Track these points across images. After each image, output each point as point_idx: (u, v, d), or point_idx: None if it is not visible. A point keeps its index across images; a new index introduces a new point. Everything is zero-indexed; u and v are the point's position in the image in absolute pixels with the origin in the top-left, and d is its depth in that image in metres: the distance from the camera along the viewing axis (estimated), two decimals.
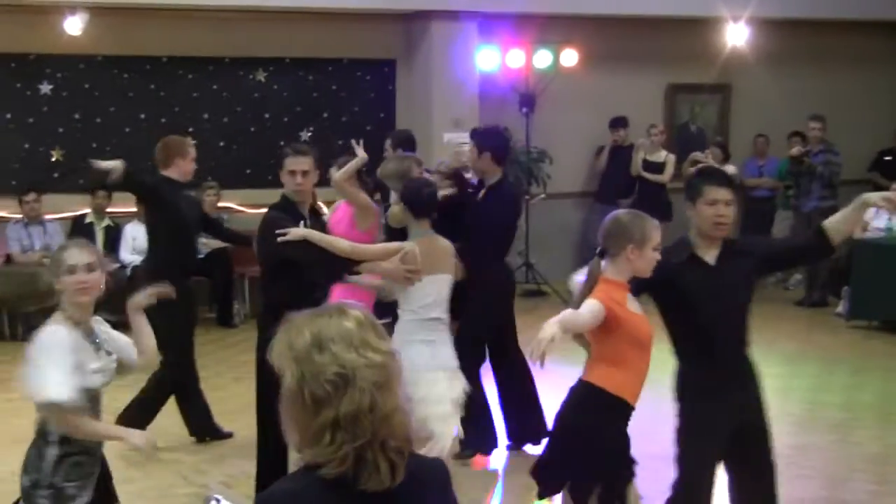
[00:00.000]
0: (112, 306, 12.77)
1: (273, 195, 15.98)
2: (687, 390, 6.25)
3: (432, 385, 7.24)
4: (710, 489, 6.21)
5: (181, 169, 10.06)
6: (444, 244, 7.69)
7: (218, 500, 3.82)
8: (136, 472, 9.03)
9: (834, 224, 6.21)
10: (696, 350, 6.23)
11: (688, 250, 6.40)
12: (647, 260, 6.15)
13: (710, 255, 6.33)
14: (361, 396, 2.97)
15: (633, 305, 6.14)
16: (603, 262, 6.16)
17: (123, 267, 14.78)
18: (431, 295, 7.48)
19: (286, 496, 3.04)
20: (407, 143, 10.75)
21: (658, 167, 16.92)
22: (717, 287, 6.20)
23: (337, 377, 2.97)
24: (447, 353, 7.50)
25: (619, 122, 17.26)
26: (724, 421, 6.13)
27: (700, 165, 16.34)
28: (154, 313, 6.05)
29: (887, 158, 18.59)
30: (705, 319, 6.19)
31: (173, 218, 9.86)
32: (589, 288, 6.08)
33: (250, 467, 8.32)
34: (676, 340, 6.32)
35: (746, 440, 6.24)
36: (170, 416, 10.08)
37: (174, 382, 9.90)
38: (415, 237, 7.57)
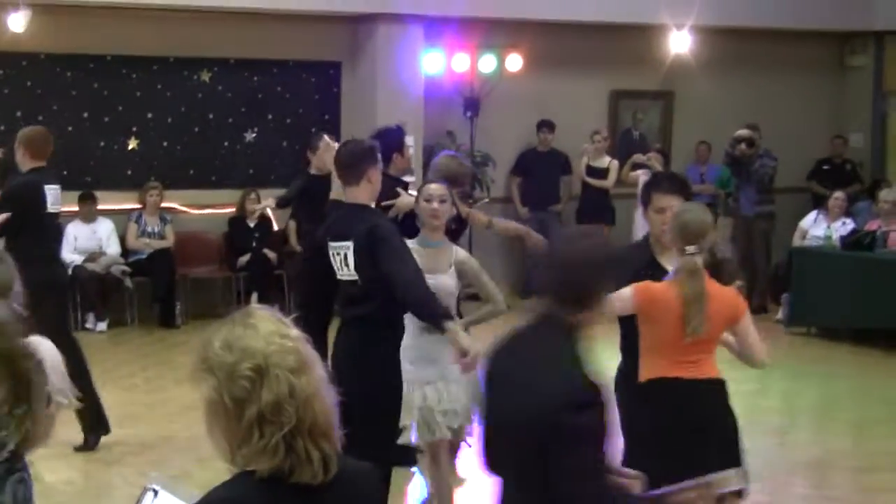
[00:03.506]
0: None
1: (217, 196, 16.07)
2: (625, 388, 6.23)
3: None
4: None
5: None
6: None
7: (156, 492, 3.77)
8: (76, 474, 8.98)
9: None
10: (636, 350, 6.25)
11: (648, 253, 6.42)
12: None
13: (669, 261, 6.35)
14: (279, 384, 2.97)
15: None
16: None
17: (64, 266, 14.63)
18: None
19: (224, 502, 3.03)
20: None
21: (601, 173, 16.98)
22: None
23: (251, 371, 2.97)
24: None
25: (544, 125, 17.23)
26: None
27: (640, 171, 16.47)
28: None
29: (825, 167, 18.73)
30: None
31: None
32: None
33: (192, 467, 8.29)
34: (625, 337, 6.35)
35: None
36: (136, 426, 10.00)
37: None
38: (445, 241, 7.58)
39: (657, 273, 6.28)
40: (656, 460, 5.58)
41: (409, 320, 7.13)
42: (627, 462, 5.49)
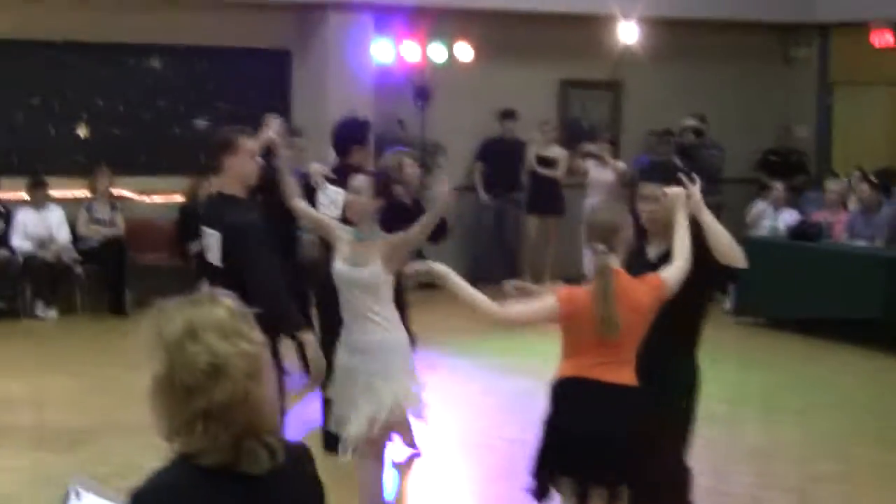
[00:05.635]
0: (2, 293, 12.55)
1: (167, 183, 15.95)
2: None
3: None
4: None
5: None
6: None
7: (78, 493, 3.74)
8: (24, 462, 8.89)
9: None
10: None
11: (640, 241, 6.46)
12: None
13: (653, 251, 6.41)
14: (234, 386, 2.93)
15: None
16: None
17: (14, 254, 14.53)
18: None
19: (164, 489, 2.99)
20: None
21: (551, 162, 17.00)
22: None
23: (209, 367, 2.93)
24: None
25: (507, 115, 17.27)
26: None
27: (590, 161, 16.51)
28: None
29: (772, 158, 18.84)
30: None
31: None
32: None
33: (141, 455, 8.21)
34: None
35: None
36: (85, 414, 9.92)
37: None
38: (377, 232, 7.30)
39: (639, 261, 6.32)
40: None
41: (344, 313, 7.22)
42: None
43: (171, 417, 2.98)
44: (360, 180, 7.30)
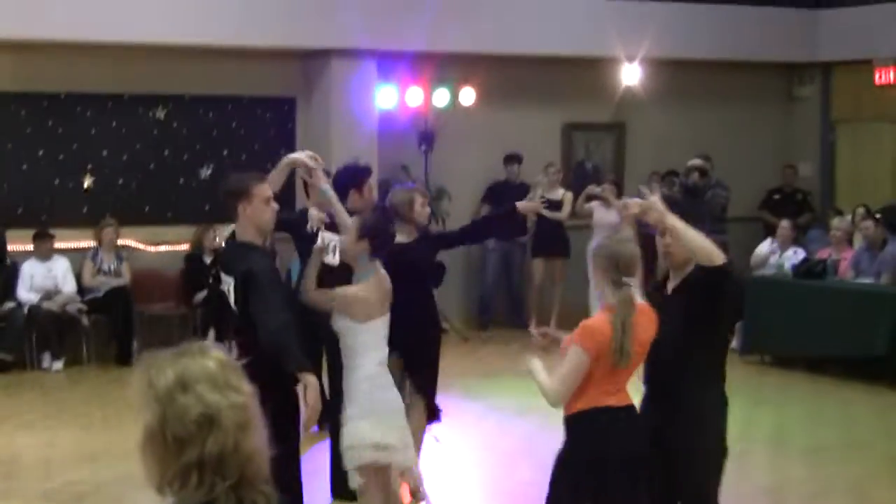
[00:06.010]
0: (8, 346, 12.55)
1: (173, 232, 15.95)
2: None
3: (406, 428, 7.41)
4: None
5: None
6: (389, 282, 7.49)
7: None
8: None
9: None
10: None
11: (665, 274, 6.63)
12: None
13: (671, 284, 6.54)
14: (226, 437, 2.96)
15: None
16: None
17: (20, 306, 14.53)
18: (385, 336, 7.38)
19: None
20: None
21: (556, 205, 16.99)
22: (662, 320, 6.28)
23: (201, 417, 2.95)
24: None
25: (512, 159, 17.28)
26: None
27: (594, 203, 16.51)
28: None
29: (776, 197, 18.84)
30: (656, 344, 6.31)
31: None
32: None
33: None
34: None
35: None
36: (93, 466, 9.88)
37: None
38: (367, 274, 7.31)
39: (657, 294, 6.51)
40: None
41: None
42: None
43: (163, 469, 2.99)
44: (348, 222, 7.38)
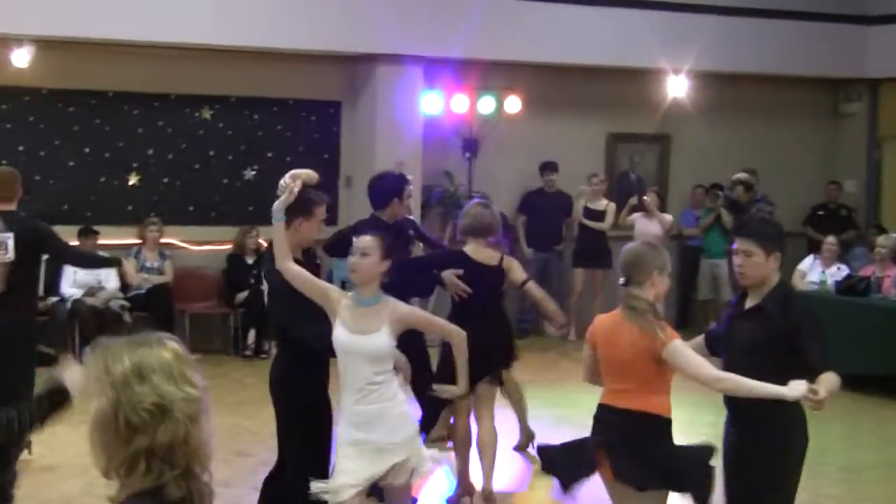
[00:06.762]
0: (51, 339, 12.53)
1: (216, 232, 16.01)
2: None
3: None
4: None
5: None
6: None
7: None
8: (75, 491, 8.90)
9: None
10: None
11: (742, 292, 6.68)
12: (665, 284, 6.51)
13: (747, 303, 6.56)
14: (177, 428, 3.02)
15: None
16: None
17: (64, 301, 14.61)
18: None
19: None
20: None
21: (599, 215, 16.97)
22: (733, 334, 6.46)
23: (154, 407, 3.01)
24: None
25: (548, 167, 17.23)
26: None
27: (637, 214, 16.45)
28: None
29: (821, 213, 18.73)
30: (724, 362, 6.48)
31: None
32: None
33: None
34: None
35: None
36: None
37: None
38: (377, 300, 6.92)
39: (737, 310, 6.58)
40: None
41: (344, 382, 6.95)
42: None
43: (112, 454, 3.06)
44: (366, 241, 6.90)
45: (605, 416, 6.45)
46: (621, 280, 6.43)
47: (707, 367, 6.18)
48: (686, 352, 6.22)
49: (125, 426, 3.01)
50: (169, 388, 3.03)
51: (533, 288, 9.66)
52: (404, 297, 7.52)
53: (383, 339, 6.74)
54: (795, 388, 5.95)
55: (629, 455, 6.29)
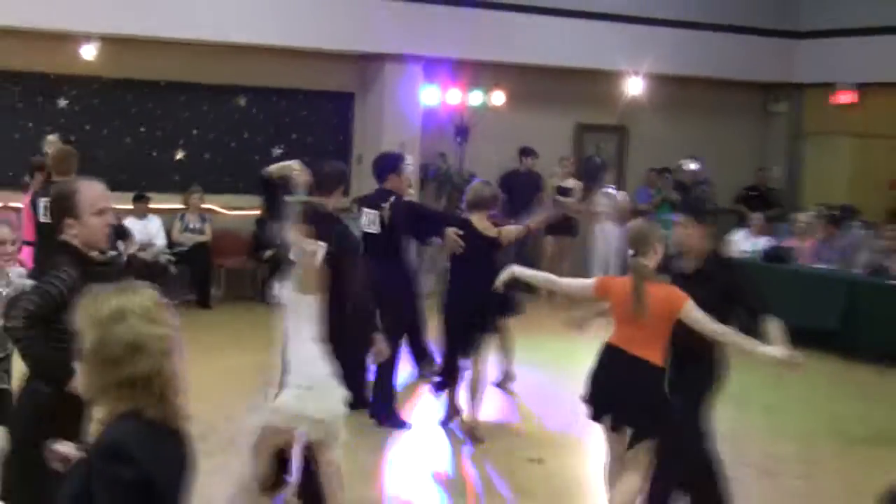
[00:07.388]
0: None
1: (247, 200, 16.05)
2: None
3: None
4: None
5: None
6: None
7: None
8: None
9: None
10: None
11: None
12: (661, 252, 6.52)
13: (688, 265, 6.74)
14: (152, 361, 3.07)
15: None
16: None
17: (120, 254, 14.60)
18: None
19: (132, 434, 3.08)
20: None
21: (568, 192, 16.98)
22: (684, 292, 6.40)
23: (131, 344, 3.05)
24: None
25: (525, 152, 17.21)
26: None
27: (602, 193, 16.46)
28: None
29: (752, 193, 18.75)
30: None
31: None
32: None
33: (220, 422, 8.21)
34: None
35: None
36: None
37: None
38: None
39: (678, 276, 6.60)
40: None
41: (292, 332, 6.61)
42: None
43: (98, 382, 3.10)
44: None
45: (615, 357, 6.40)
46: (630, 251, 6.43)
47: (714, 323, 6.26)
48: (698, 309, 6.23)
49: (108, 359, 3.06)
50: (144, 327, 3.07)
51: (532, 225, 10.01)
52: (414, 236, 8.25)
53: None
54: (781, 352, 6.62)
55: (633, 408, 6.34)
